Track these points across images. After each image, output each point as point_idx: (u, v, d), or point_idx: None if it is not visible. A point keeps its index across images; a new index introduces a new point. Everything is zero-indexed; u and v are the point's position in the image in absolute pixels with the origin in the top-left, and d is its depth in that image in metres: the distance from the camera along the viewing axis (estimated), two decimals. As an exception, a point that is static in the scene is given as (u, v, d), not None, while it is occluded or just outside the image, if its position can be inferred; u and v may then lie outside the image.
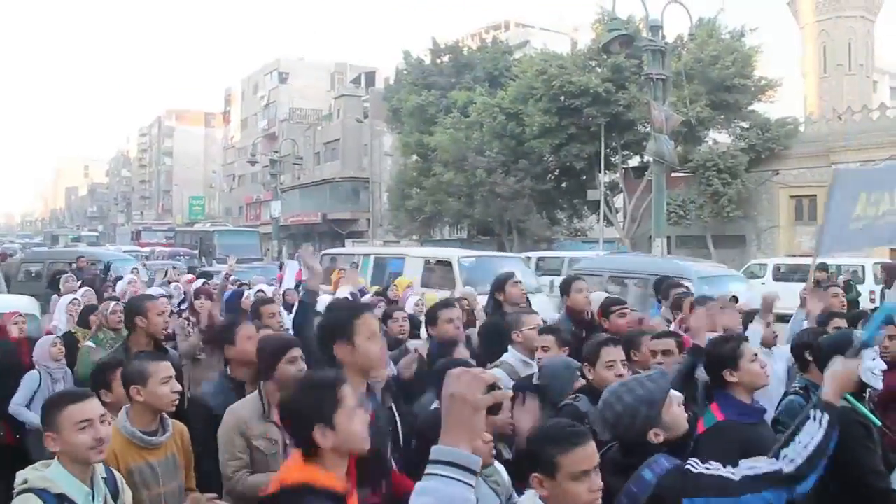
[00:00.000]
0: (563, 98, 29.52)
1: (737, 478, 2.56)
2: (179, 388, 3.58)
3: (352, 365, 3.03)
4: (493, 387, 1.83)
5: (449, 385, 1.82)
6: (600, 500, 2.45)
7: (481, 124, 32.94)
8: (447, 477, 1.73)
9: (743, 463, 2.64)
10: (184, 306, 8.92)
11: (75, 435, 2.76)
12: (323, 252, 16.97)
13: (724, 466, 2.62)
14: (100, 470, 2.89)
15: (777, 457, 2.64)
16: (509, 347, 4.81)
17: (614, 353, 3.96)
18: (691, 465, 2.65)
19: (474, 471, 1.76)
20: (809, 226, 27.61)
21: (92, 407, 2.86)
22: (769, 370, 5.00)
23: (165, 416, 3.55)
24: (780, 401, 4.40)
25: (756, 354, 3.71)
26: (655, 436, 2.81)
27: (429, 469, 1.76)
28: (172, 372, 3.58)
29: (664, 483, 2.61)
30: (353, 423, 2.36)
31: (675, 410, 2.89)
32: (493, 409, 2.09)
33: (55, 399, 2.96)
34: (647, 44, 16.10)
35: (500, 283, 6.01)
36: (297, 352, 3.79)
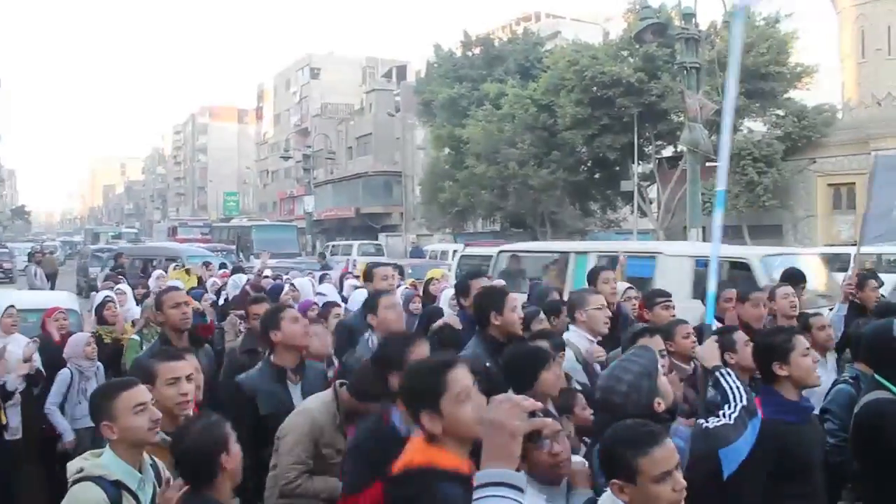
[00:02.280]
0: (595, 89, 29.28)
1: (732, 422, 3.09)
2: (188, 389, 3.38)
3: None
4: (533, 414, 1.88)
5: (490, 410, 1.87)
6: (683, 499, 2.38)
7: (513, 116, 32.81)
8: (501, 497, 1.82)
9: (723, 411, 3.16)
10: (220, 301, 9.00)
11: (133, 419, 2.84)
12: (501, 249, 12.60)
13: (719, 416, 3.14)
14: (147, 458, 2.97)
15: (732, 401, 3.22)
16: (571, 327, 4.82)
17: (654, 343, 3.89)
18: (705, 423, 3.09)
19: (522, 488, 1.85)
20: (848, 214, 27.13)
21: (143, 391, 2.96)
22: (826, 375, 5.02)
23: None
24: (830, 389, 4.34)
25: (808, 349, 3.56)
26: (658, 405, 2.95)
27: (480, 493, 1.84)
28: (183, 372, 3.39)
29: (696, 445, 2.96)
30: (462, 409, 2.32)
31: (664, 380, 3.10)
32: (533, 437, 2.10)
33: (106, 389, 3.04)
34: (680, 32, 15.92)
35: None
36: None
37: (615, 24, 34.96)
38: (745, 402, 3.17)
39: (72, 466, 2.79)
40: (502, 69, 38.19)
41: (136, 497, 2.80)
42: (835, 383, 4.38)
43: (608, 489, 2.47)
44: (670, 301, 5.62)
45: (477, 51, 41.04)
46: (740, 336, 4.29)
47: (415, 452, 2.35)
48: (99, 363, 6.31)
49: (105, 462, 2.80)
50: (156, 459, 3.04)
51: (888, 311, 5.15)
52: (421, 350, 3.12)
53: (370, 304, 4.94)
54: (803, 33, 29.33)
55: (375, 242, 39.68)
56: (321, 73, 71.95)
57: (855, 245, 7.10)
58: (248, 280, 9.64)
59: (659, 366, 3.20)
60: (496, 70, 38.49)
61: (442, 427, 2.31)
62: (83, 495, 2.70)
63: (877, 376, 3.66)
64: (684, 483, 2.35)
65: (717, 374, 3.32)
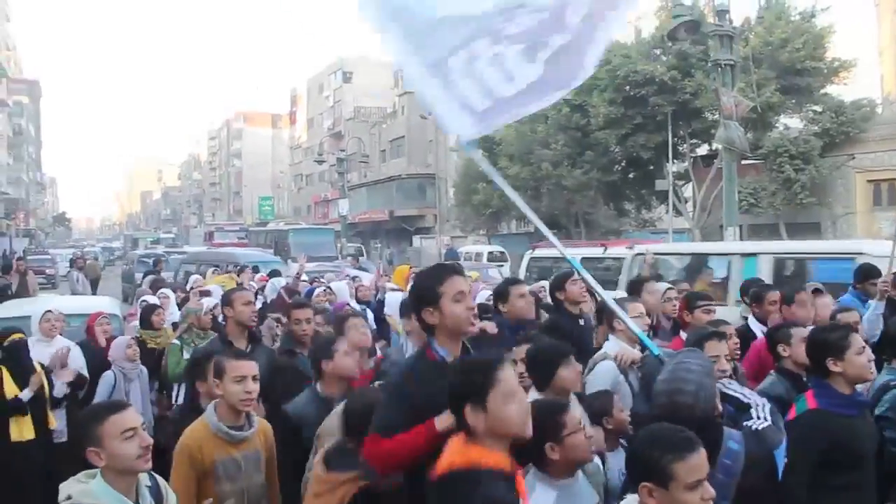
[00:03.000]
0: (627, 88, 29.12)
1: (770, 421, 3.10)
2: (253, 388, 3.55)
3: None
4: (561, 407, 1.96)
5: None
6: None
7: (546, 117, 32.70)
8: None
9: (756, 413, 3.18)
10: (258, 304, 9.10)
11: (122, 445, 2.67)
12: (636, 252, 11.70)
13: (755, 418, 3.11)
14: (144, 479, 2.84)
15: (754, 407, 3.18)
16: (610, 336, 4.75)
17: (719, 348, 3.84)
18: (750, 424, 3.05)
19: None
20: (889, 211, 26.69)
21: (133, 416, 2.78)
22: None
23: (251, 412, 3.63)
24: (882, 395, 4.24)
25: (864, 347, 3.58)
26: (720, 404, 2.96)
27: None
28: (250, 372, 3.56)
29: (751, 447, 2.86)
30: (508, 406, 2.35)
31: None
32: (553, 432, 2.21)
33: (92, 413, 2.87)
34: (714, 29, 15.80)
35: (560, 282, 5.72)
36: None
37: (647, 23, 34.68)
38: (765, 401, 3.15)
39: (63, 490, 2.64)
40: (534, 70, 38.07)
41: None
42: (885, 388, 4.29)
43: (629, 495, 2.48)
44: (711, 304, 5.57)
45: (509, 52, 40.95)
46: (799, 332, 4.26)
47: (456, 453, 2.36)
48: (142, 366, 6.44)
49: (95, 490, 2.64)
50: (157, 478, 2.97)
51: None
52: (455, 283, 2.95)
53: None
54: (840, 27, 28.88)
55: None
56: (353, 76, 72.32)
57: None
58: (285, 283, 9.78)
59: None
60: (528, 71, 38.37)
61: (485, 423, 2.33)
62: None
63: None
64: (713, 493, 2.33)
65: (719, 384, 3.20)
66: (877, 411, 4.11)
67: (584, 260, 12.29)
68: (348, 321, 5.08)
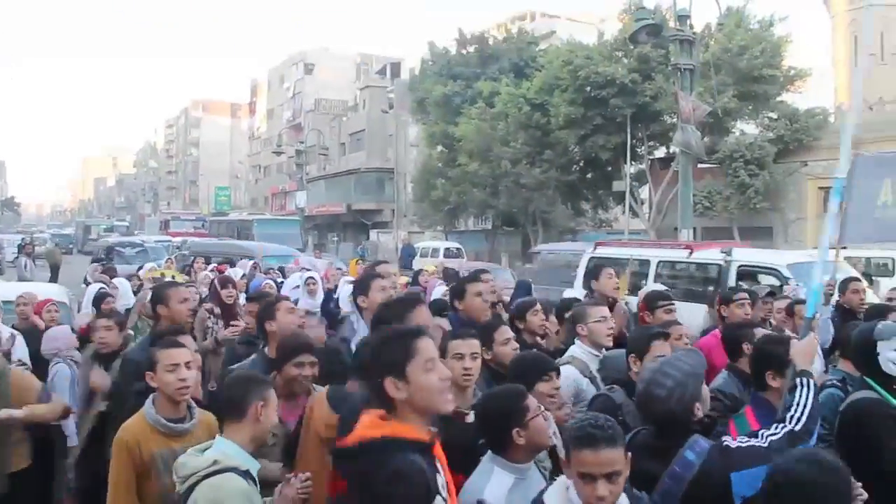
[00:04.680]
0: (589, 89, 29.31)
1: (766, 444, 2.74)
2: (187, 375, 3.49)
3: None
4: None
5: None
6: None
7: (506, 115, 32.81)
8: None
9: (763, 431, 2.82)
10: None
11: (265, 412, 2.97)
12: (726, 257, 10.29)
13: (749, 438, 2.82)
14: None
15: (784, 421, 2.86)
16: (576, 341, 4.69)
17: (664, 348, 3.86)
18: (727, 442, 2.81)
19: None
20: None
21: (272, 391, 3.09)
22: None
23: (193, 403, 3.57)
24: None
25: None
26: (698, 409, 2.92)
27: None
28: (182, 359, 3.51)
29: (710, 461, 2.74)
30: (429, 376, 2.30)
31: (706, 389, 3.01)
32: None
33: (239, 381, 3.12)
34: (675, 33, 15.94)
35: (522, 311, 5.43)
36: (307, 357, 3.85)
37: (610, 25, 35.00)
38: (796, 427, 2.86)
39: (205, 460, 2.78)
40: (496, 68, 38.19)
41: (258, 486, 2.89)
42: (822, 387, 4.39)
43: (558, 477, 2.56)
44: (672, 304, 5.59)
45: (471, 49, 41.02)
46: (761, 334, 4.33)
47: (367, 428, 2.28)
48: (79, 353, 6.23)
49: (234, 454, 2.85)
50: None
51: (878, 313, 5.28)
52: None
53: (362, 286, 4.74)
54: (796, 37, 29.41)
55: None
56: (315, 68, 71.85)
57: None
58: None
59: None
60: (490, 68, 38.48)
61: (407, 394, 2.27)
62: (230, 484, 2.72)
63: (866, 378, 3.69)
64: (606, 494, 2.37)
65: (798, 381, 3.05)
66: None
67: (662, 264, 11.20)
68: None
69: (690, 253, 11.00)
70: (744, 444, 2.77)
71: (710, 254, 10.62)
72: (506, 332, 4.31)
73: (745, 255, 10.50)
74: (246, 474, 2.79)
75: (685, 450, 2.75)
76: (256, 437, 2.97)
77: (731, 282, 9.67)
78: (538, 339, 5.25)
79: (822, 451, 2.66)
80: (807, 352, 3.19)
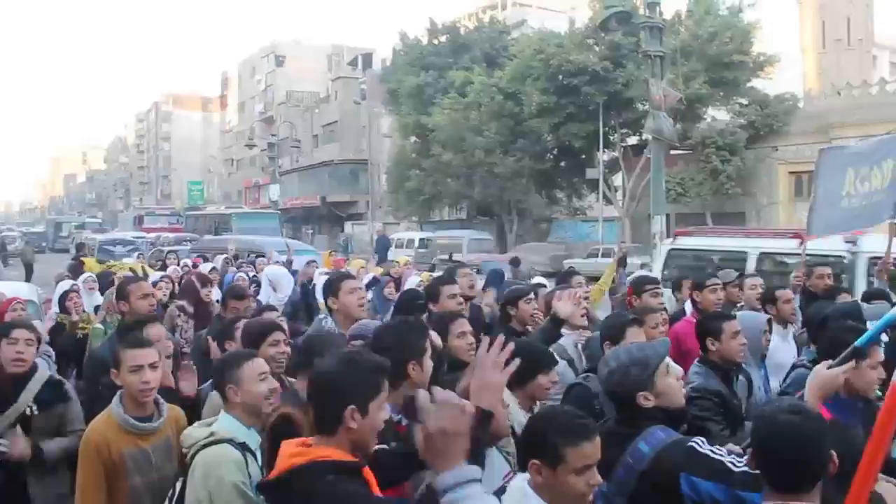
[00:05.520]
0: (561, 77, 29.38)
1: (737, 469, 2.52)
2: (151, 377, 3.38)
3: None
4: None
5: (436, 421, 1.94)
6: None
7: (479, 104, 32.82)
8: (474, 493, 1.89)
9: (744, 459, 2.53)
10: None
11: (257, 385, 3.11)
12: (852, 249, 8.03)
13: (729, 454, 2.59)
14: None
15: None
16: (563, 332, 4.57)
17: (639, 335, 3.82)
18: (697, 443, 2.66)
19: (480, 479, 1.94)
20: (809, 202, 27.51)
21: (263, 363, 3.24)
22: (785, 346, 5.29)
23: (161, 401, 3.51)
24: (788, 373, 4.41)
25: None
26: (645, 399, 2.84)
27: (455, 494, 1.88)
28: (146, 360, 3.40)
29: (664, 455, 2.67)
30: (379, 417, 2.29)
31: (672, 382, 2.95)
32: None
33: (232, 358, 3.31)
34: (645, 20, 15.96)
35: (513, 299, 5.34)
36: (279, 335, 3.83)
37: (581, 13, 35.01)
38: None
39: (201, 431, 2.99)
40: (468, 57, 38.15)
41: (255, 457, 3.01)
42: (793, 367, 4.44)
43: (518, 473, 2.50)
44: (658, 288, 5.57)
45: (443, 39, 40.94)
46: (731, 326, 4.10)
47: (294, 455, 2.22)
48: (51, 350, 6.16)
49: (231, 427, 3.02)
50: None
51: (835, 293, 5.77)
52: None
53: (331, 288, 4.69)
54: (765, 23, 29.64)
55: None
56: (286, 60, 71.41)
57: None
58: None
59: (672, 368, 3.05)
60: (462, 58, 38.43)
61: (360, 428, 2.23)
62: (223, 453, 2.89)
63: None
64: (599, 479, 2.37)
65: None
66: (781, 386, 4.37)
67: (763, 256, 9.14)
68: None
69: (801, 243, 7.98)
70: (716, 455, 2.59)
71: (828, 244, 8.07)
72: (462, 324, 4.04)
73: (875, 244, 7.89)
74: (243, 446, 2.94)
75: (640, 440, 2.72)
76: (248, 410, 3.09)
77: (862, 278, 7.81)
78: (528, 327, 5.16)
79: (805, 403, 2.64)
80: (824, 385, 2.94)
